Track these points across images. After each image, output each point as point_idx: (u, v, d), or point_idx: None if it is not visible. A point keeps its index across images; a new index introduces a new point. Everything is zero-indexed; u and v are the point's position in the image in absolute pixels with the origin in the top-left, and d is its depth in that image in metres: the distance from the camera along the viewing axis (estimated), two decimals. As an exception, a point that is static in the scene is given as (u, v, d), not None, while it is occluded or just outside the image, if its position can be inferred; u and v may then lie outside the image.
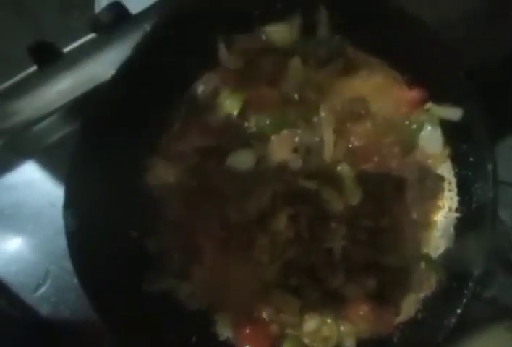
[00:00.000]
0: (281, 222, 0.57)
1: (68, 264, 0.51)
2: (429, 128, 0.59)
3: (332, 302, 0.58)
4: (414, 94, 0.60)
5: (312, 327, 0.59)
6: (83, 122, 0.54)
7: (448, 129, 0.58)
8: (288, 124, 0.60)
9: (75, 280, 0.51)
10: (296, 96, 0.61)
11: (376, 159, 0.60)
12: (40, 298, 0.65)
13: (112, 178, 0.56)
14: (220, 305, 0.60)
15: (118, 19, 0.65)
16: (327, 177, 0.58)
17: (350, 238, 0.58)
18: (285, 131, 0.60)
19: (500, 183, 0.52)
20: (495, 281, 0.62)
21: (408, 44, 0.55)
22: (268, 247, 0.57)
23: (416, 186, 0.59)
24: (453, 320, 0.51)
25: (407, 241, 0.59)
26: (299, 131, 0.60)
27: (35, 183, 0.68)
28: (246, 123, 0.61)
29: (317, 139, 0.59)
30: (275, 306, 0.58)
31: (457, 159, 0.59)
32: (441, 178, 0.60)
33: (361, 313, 0.58)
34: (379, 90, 0.61)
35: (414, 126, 0.60)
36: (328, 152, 0.59)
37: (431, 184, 0.59)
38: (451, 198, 0.59)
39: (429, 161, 0.60)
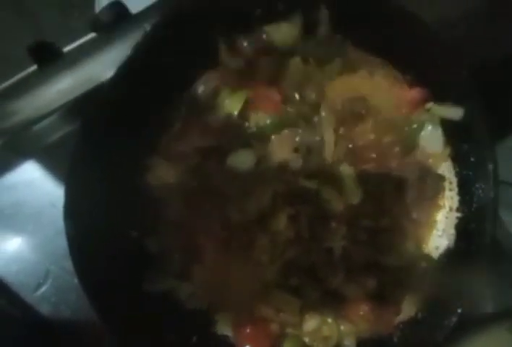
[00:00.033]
0: (281, 222, 0.57)
1: (68, 264, 0.51)
2: (429, 127, 0.59)
3: (332, 302, 0.58)
4: (414, 93, 0.60)
5: (312, 327, 0.59)
6: (83, 122, 0.54)
7: (449, 128, 0.58)
8: (289, 124, 0.60)
9: (75, 280, 0.51)
10: (296, 96, 0.61)
11: (376, 159, 0.60)
12: (41, 297, 0.65)
13: (112, 178, 0.56)
14: (220, 305, 0.60)
15: (119, 19, 0.65)
16: (328, 177, 0.58)
17: (350, 238, 0.58)
18: (285, 131, 0.60)
19: (500, 183, 0.52)
20: (495, 281, 0.62)
21: (409, 43, 0.55)
22: (268, 247, 0.57)
23: (416, 186, 0.59)
24: (454, 320, 0.51)
25: (407, 240, 0.59)
26: (300, 130, 0.60)
27: (35, 183, 0.67)
28: (246, 123, 0.61)
29: (317, 138, 0.59)
30: (276, 305, 0.58)
31: (458, 159, 0.59)
32: (442, 178, 0.59)
33: (362, 313, 0.58)
34: (379, 89, 0.61)
35: (415, 125, 0.60)
36: (329, 152, 0.59)
37: (431, 184, 0.59)
38: (452, 198, 0.59)
39: (430, 161, 0.60)
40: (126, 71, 0.54)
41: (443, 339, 0.51)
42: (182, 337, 0.58)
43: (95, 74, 0.63)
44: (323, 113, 0.60)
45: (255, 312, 0.59)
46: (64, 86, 0.64)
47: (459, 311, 0.50)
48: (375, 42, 0.59)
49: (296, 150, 0.59)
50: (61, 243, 0.51)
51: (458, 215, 0.59)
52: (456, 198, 0.59)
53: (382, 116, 0.60)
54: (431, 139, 0.59)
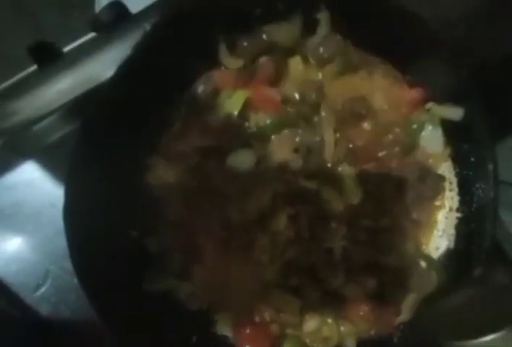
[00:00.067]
0: (281, 222, 0.57)
1: (68, 264, 0.51)
2: (429, 128, 0.59)
3: (332, 302, 0.58)
4: (414, 93, 0.60)
5: (312, 327, 0.59)
6: (83, 122, 0.54)
7: (449, 128, 0.58)
8: (289, 124, 0.60)
9: (75, 280, 0.51)
10: (296, 96, 0.61)
11: (376, 159, 0.60)
12: (40, 298, 0.65)
13: (112, 178, 0.56)
14: (220, 305, 0.60)
15: (119, 19, 0.64)
16: (328, 177, 0.58)
17: (350, 238, 0.58)
18: (285, 131, 0.60)
19: (500, 183, 0.52)
20: (496, 281, 0.62)
21: (409, 43, 0.55)
22: (268, 247, 0.57)
23: (416, 186, 0.59)
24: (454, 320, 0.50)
25: (407, 241, 0.59)
26: (300, 131, 0.60)
27: (35, 183, 0.67)
28: (246, 123, 0.61)
29: (317, 138, 0.59)
30: (276, 306, 0.58)
31: (458, 159, 0.59)
32: (442, 178, 0.59)
33: (362, 313, 0.58)
34: (379, 89, 0.61)
35: (415, 125, 0.60)
36: (329, 152, 0.59)
37: (432, 184, 0.59)
38: (452, 198, 0.59)
39: (430, 161, 0.60)
40: (126, 70, 0.54)
41: (444, 338, 0.51)
42: (182, 337, 0.58)
43: (95, 73, 0.63)
44: (323, 113, 0.60)
45: (255, 312, 0.59)
46: (64, 86, 0.64)
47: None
48: (375, 42, 0.59)
49: (296, 150, 0.59)
50: (61, 243, 0.51)
51: (458, 215, 0.59)
52: (456, 198, 0.59)
53: (382, 116, 0.60)
54: (431, 140, 0.59)
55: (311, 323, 0.58)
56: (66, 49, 0.69)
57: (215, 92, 0.61)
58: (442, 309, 0.54)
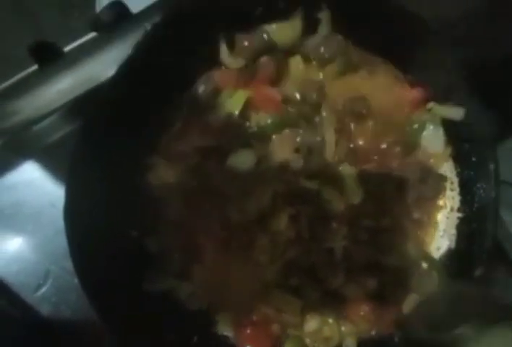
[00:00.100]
0: (282, 222, 0.57)
1: (68, 264, 0.51)
2: (431, 127, 0.59)
3: (332, 302, 0.58)
4: (415, 93, 0.60)
5: (313, 327, 0.58)
6: (83, 122, 0.54)
7: (450, 128, 0.58)
8: (290, 124, 0.60)
9: (76, 280, 0.51)
10: (297, 95, 0.61)
11: (377, 159, 0.60)
12: (41, 298, 0.65)
13: (112, 177, 0.56)
14: (220, 305, 0.60)
15: (119, 18, 0.64)
16: (329, 177, 0.58)
17: (351, 238, 0.58)
18: (286, 131, 0.60)
19: (501, 183, 0.52)
20: (497, 281, 0.62)
21: (409, 43, 0.55)
22: (269, 247, 0.57)
23: (417, 186, 0.59)
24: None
25: (408, 241, 0.59)
26: (301, 130, 0.60)
27: (35, 183, 0.67)
28: (247, 123, 0.61)
29: (318, 138, 0.59)
30: (276, 306, 0.58)
31: (459, 158, 0.59)
32: (443, 178, 0.59)
33: (362, 313, 0.58)
34: (380, 89, 0.61)
35: (416, 125, 0.60)
36: (330, 152, 0.59)
37: (433, 184, 0.59)
38: (453, 198, 0.59)
39: (431, 161, 0.60)
40: (127, 70, 0.54)
41: (445, 338, 0.51)
42: (182, 338, 0.58)
43: (96, 73, 0.63)
44: (324, 113, 0.60)
45: (256, 312, 0.59)
46: (65, 86, 0.64)
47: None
48: (376, 41, 0.59)
49: (296, 150, 0.59)
50: (61, 243, 0.51)
51: (460, 215, 0.59)
52: (457, 198, 0.59)
53: (383, 116, 0.60)
54: (432, 139, 0.59)
55: (312, 323, 0.58)
56: (67, 49, 0.69)
57: (216, 92, 0.60)
58: (442, 309, 0.54)
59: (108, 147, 0.55)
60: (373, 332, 0.58)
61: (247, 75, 0.60)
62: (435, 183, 0.59)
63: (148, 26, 0.55)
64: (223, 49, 0.60)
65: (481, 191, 0.54)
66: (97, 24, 0.65)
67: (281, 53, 0.61)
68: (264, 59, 0.60)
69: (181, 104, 0.62)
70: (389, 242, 0.58)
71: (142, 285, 0.58)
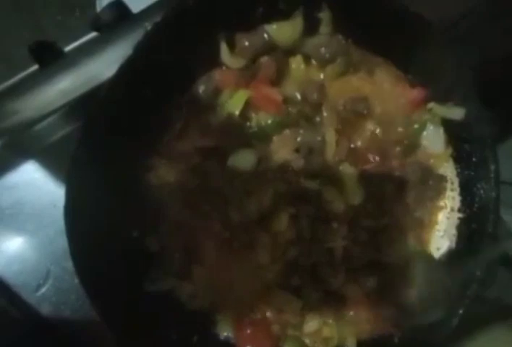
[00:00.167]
0: (282, 222, 0.57)
1: (69, 264, 0.51)
2: (431, 127, 0.59)
3: (333, 302, 0.58)
4: (416, 93, 0.60)
5: (313, 328, 0.58)
6: (84, 122, 0.54)
7: (450, 128, 0.58)
8: (290, 124, 0.60)
9: (76, 280, 0.51)
10: (298, 96, 0.61)
11: (378, 159, 0.60)
12: (41, 298, 0.65)
13: (113, 178, 0.56)
14: (221, 305, 0.60)
15: (120, 18, 0.65)
16: (329, 177, 0.58)
17: (351, 238, 0.58)
18: (287, 131, 0.60)
19: (502, 184, 0.52)
20: (497, 281, 0.62)
21: (410, 43, 0.55)
22: (269, 247, 0.57)
23: (418, 186, 0.59)
24: (455, 321, 0.50)
25: (408, 241, 0.59)
26: (301, 130, 0.60)
27: (36, 183, 0.67)
28: (247, 123, 0.61)
29: (319, 138, 0.59)
30: (277, 306, 0.58)
31: (459, 159, 0.59)
32: (443, 178, 0.59)
33: (362, 313, 0.58)
34: (381, 89, 0.61)
35: (416, 125, 0.60)
36: (330, 152, 0.59)
37: (433, 184, 0.59)
38: (453, 198, 0.59)
39: (432, 161, 0.60)
40: (127, 70, 0.54)
41: (445, 339, 0.51)
42: (183, 337, 0.58)
43: (96, 73, 0.63)
44: (325, 113, 0.60)
45: (256, 312, 0.59)
46: (65, 86, 0.64)
47: (460, 312, 0.50)
48: (377, 41, 0.59)
49: (297, 150, 0.59)
50: (62, 243, 0.51)
51: (460, 215, 0.58)
52: (458, 198, 0.59)
53: (384, 116, 0.60)
54: (432, 139, 0.59)
55: (312, 323, 0.58)
56: (67, 49, 0.69)
57: (216, 92, 0.60)
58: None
59: (108, 147, 0.55)
60: (373, 333, 0.58)
61: (248, 75, 0.60)
62: (435, 184, 0.59)
63: (148, 26, 0.55)
64: (224, 49, 0.60)
65: (482, 191, 0.54)
66: (97, 24, 0.66)
67: (282, 53, 0.61)
68: (264, 59, 0.60)
69: (182, 104, 0.62)
70: (389, 242, 0.58)
71: (143, 285, 0.57)
